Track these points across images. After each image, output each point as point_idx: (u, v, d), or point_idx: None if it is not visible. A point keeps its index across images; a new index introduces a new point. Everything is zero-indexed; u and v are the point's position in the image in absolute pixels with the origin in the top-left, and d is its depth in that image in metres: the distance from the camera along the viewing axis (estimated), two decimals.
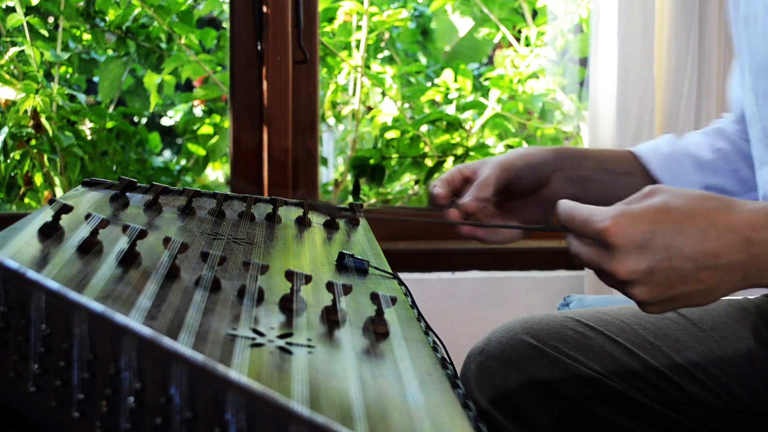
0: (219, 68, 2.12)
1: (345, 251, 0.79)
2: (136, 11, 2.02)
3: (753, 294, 1.02)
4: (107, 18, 2.02)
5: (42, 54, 1.85)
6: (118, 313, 0.41)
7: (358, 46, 2.12)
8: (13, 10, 1.86)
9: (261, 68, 1.79)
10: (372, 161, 2.09)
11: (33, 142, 1.85)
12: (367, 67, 2.19)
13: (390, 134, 2.14)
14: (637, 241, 0.63)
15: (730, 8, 0.94)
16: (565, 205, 0.69)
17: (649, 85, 1.75)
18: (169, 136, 2.47)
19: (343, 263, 0.78)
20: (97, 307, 0.41)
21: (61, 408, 0.42)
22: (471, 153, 2.11)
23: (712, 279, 0.64)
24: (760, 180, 0.90)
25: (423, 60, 2.47)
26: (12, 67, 1.86)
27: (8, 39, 1.89)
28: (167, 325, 0.47)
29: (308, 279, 0.61)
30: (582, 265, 0.69)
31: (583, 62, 2.08)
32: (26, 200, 1.91)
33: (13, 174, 1.87)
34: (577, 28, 2.13)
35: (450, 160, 2.12)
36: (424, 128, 2.12)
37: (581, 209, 0.67)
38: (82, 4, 1.98)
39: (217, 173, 2.37)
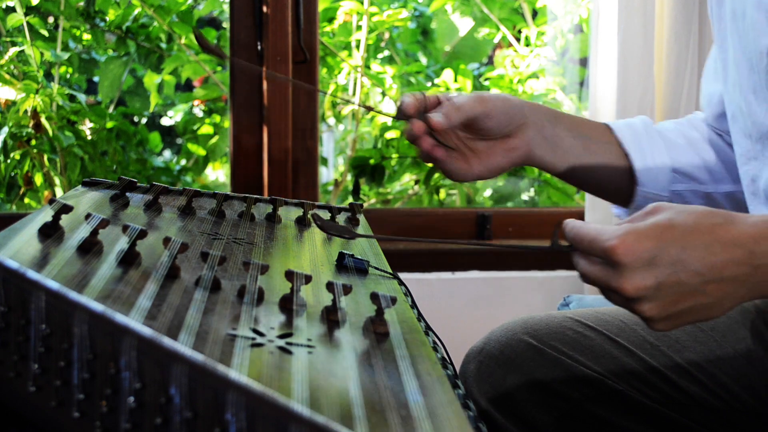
0: (219, 68, 2.12)
1: (345, 251, 0.79)
2: (136, 11, 2.02)
3: None
4: (107, 18, 2.02)
5: (42, 54, 1.85)
6: (118, 313, 0.41)
7: (358, 46, 2.12)
8: (13, 10, 1.86)
9: (261, 68, 1.79)
10: (372, 161, 2.09)
11: (33, 142, 1.85)
12: (367, 67, 2.19)
13: (390, 134, 2.14)
14: (644, 258, 0.64)
15: (711, 5, 0.94)
16: (572, 224, 0.70)
17: (649, 85, 1.75)
18: (169, 136, 2.47)
19: (343, 263, 0.78)
20: (97, 307, 0.41)
21: (61, 408, 0.42)
22: None
23: (718, 292, 0.65)
24: (746, 175, 0.90)
25: (423, 60, 2.47)
26: (12, 67, 1.86)
27: (8, 39, 1.89)
28: (167, 325, 0.47)
29: (308, 279, 0.61)
30: (589, 283, 0.69)
31: (583, 62, 2.08)
32: (26, 200, 1.91)
33: (13, 174, 1.87)
34: (577, 28, 2.13)
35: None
36: None
37: (588, 228, 0.68)
38: (82, 4, 1.98)
39: (217, 173, 2.37)
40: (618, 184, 1.00)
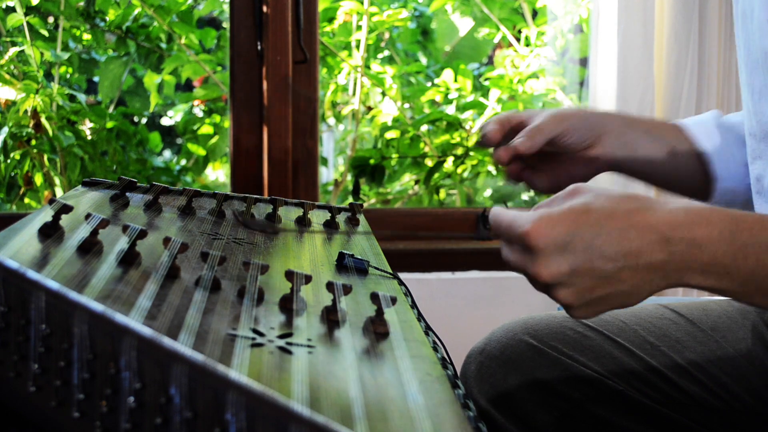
0: (219, 68, 2.12)
1: (345, 251, 0.79)
2: (136, 11, 2.02)
3: None
4: (107, 18, 2.02)
5: (42, 54, 1.85)
6: (118, 313, 0.41)
7: (358, 46, 2.12)
8: (13, 10, 1.86)
9: (261, 68, 1.79)
10: (372, 161, 2.09)
11: (33, 142, 1.85)
12: (367, 67, 2.19)
13: (390, 134, 2.14)
14: (557, 243, 0.64)
15: (734, 6, 0.94)
16: (494, 211, 0.70)
17: (649, 85, 1.75)
18: (169, 136, 2.47)
19: (343, 263, 0.78)
20: (97, 307, 0.41)
21: (61, 408, 0.42)
22: (471, 153, 2.11)
23: (634, 279, 0.64)
24: (752, 174, 0.90)
25: (423, 60, 2.47)
26: (12, 67, 1.86)
27: (8, 39, 1.89)
28: (167, 325, 0.47)
29: (308, 279, 0.61)
30: (512, 270, 0.69)
31: (583, 62, 2.08)
32: (26, 200, 1.91)
33: (13, 174, 1.87)
34: (577, 28, 2.13)
35: (450, 160, 2.12)
36: (424, 128, 2.12)
37: (506, 215, 0.68)
38: (82, 4, 1.98)
39: (217, 173, 2.37)
40: (698, 182, 1.00)
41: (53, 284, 0.43)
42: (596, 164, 0.97)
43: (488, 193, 2.22)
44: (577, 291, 0.65)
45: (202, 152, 2.15)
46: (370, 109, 2.19)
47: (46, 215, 0.61)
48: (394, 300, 0.60)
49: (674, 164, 0.99)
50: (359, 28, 2.12)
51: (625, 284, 0.65)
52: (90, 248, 0.58)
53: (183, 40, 2.05)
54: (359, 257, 0.79)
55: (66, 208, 0.60)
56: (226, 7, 2.03)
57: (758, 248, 0.64)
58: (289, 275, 0.60)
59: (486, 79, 2.21)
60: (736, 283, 0.65)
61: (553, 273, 0.64)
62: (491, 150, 0.95)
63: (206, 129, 2.15)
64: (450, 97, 2.18)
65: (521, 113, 0.96)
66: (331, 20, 2.16)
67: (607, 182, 1.65)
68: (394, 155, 2.11)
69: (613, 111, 1.02)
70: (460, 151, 2.12)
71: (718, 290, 0.66)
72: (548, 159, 0.97)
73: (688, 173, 1.00)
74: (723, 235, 0.64)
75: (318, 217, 0.97)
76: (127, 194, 0.83)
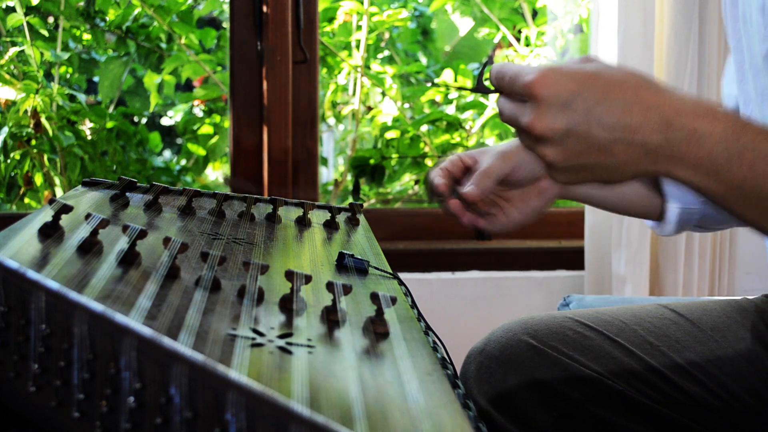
0: (219, 68, 2.12)
1: (345, 251, 0.79)
2: (136, 11, 2.02)
3: (752, 294, 1.02)
4: (107, 18, 2.02)
5: (42, 54, 1.85)
6: (118, 313, 0.41)
7: (358, 46, 2.12)
8: (13, 10, 1.86)
9: (261, 68, 1.79)
10: (372, 161, 2.09)
11: (33, 142, 1.85)
12: (367, 67, 2.19)
13: (390, 134, 2.14)
14: (560, 98, 0.62)
15: (726, 7, 0.94)
16: (498, 64, 0.68)
17: None
18: (169, 136, 2.47)
19: (343, 263, 0.78)
20: (97, 307, 0.41)
21: (61, 408, 0.42)
22: None
23: (624, 155, 0.63)
24: None
25: (423, 60, 2.47)
26: (12, 67, 1.86)
27: (8, 39, 1.89)
28: (167, 325, 0.47)
29: (308, 279, 0.61)
30: (505, 121, 0.67)
31: None
32: (26, 200, 1.91)
33: (13, 174, 1.87)
34: (577, 28, 2.13)
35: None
36: (424, 128, 2.12)
37: (512, 66, 0.67)
38: (82, 4, 1.98)
39: (217, 173, 2.37)
40: (650, 203, 1.00)
41: (53, 284, 0.43)
42: (547, 196, 0.96)
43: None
44: (565, 151, 0.64)
45: (202, 152, 2.15)
46: (370, 109, 2.19)
47: (46, 215, 0.61)
48: (394, 300, 0.60)
49: (626, 188, 0.99)
50: (359, 28, 2.12)
51: (615, 158, 0.63)
52: (90, 248, 0.58)
53: (183, 40, 2.05)
54: (359, 257, 0.79)
55: (66, 208, 0.60)
56: (226, 7, 2.03)
57: (755, 155, 0.62)
58: (289, 275, 0.60)
59: (486, 79, 2.20)
60: (723, 185, 0.63)
61: (548, 127, 0.63)
62: (440, 201, 0.94)
63: (206, 129, 2.15)
64: (450, 97, 2.18)
65: (468, 154, 0.95)
66: (331, 20, 2.16)
67: None
68: (394, 155, 2.11)
69: None
70: (459, 151, 2.12)
71: (702, 189, 0.65)
72: (500, 199, 0.96)
73: (639, 194, 1.00)
74: (725, 134, 0.63)
75: (318, 217, 0.97)
76: (127, 194, 0.83)
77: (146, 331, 0.40)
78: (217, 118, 2.15)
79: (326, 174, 2.44)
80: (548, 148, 0.64)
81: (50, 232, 0.60)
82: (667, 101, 0.63)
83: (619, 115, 0.62)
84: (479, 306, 1.85)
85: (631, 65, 1.74)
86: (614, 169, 0.64)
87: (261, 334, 0.52)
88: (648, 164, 0.64)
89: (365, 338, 0.57)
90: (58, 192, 1.88)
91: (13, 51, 1.84)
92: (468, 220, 0.94)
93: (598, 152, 0.63)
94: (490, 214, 0.96)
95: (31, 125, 1.83)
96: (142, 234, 0.59)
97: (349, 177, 2.15)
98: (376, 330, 0.59)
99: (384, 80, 2.15)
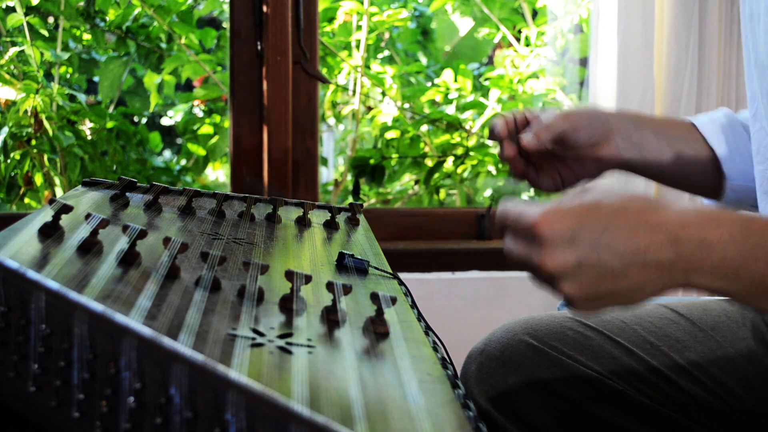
0: (219, 68, 2.12)
1: (345, 251, 0.79)
2: (136, 11, 2.02)
3: None
4: (107, 18, 2.02)
5: (42, 54, 1.85)
6: (118, 313, 0.41)
7: (358, 46, 2.12)
8: (13, 10, 1.86)
9: (261, 68, 1.79)
10: (372, 161, 2.09)
11: (33, 142, 1.85)
12: (367, 67, 2.19)
13: (390, 134, 2.14)
14: (565, 235, 0.64)
15: (741, 6, 0.94)
16: (503, 204, 0.70)
17: (649, 85, 1.75)
18: (169, 136, 2.47)
19: (343, 263, 0.78)
20: (97, 307, 0.41)
21: (61, 408, 0.42)
22: (471, 153, 2.11)
23: (640, 277, 0.64)
24: (759, 175, 0.90)
25: (423, 60, 2.47)
26: (12, 67, 1.86)
27: (8, 39, 1.89)
28: (167, 325, 0.47)
29: (308, 279, 0.61)
30: (514, 262, 0.68)
31: (583, 62, 2.08)
32: (26, 200, 1.91)
33: (13, 174, 1.87)
34: (577, 28, 2.13)
35: (450, 160, 2.12)
36: (424, 128, 2.12)
37: (514, 208, 0.68)
38: (82, 4, 1.98)
39: (217, 173, 2.37)
40: (708, 180, 1.00)
41: (53, 284, 0.43)
42: (603, 164, 0.96)
43: (488, 193, 2.22)
44: (581, 284, 0.64)
45: (202, 152, 2.15)
46: (370, 109, 2.19)
47: (46, 215, 0.61)
48: (394, 300, 0.60)
49: (684, 163, 0.99)
50: (359, 28, 2.12)
51: (632, 281, 0.64)
52: (90, 248, 0.58)
53: (183, 40, 2.05)
54: (359, 257, 0.79)
55: (66, 208, 0.60)
56: (226, 7, 2.03)
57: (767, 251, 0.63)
58: (289, 275, 0.60)
59: (486, 79, 2.21)
60: (744, 285, 0.64)
61: (560, 264, 0.64)
62: (497, 147, 0.96)
63: (206, 129, 2.15)
64: (450, 97, 2.18)
65: (530, 110, 0.97)
66: (331, 20, 2.16)
67: (608, 180, 1.65)
68: (394, 155, 2.11)
69: (624, 110, 1.02)
70: (460, 151, 2.12)
71: (725, 292, 0.66)
72: (554, 159, 0.97)
73: (698, 172, 1.00)
74: (733, 237, 0.64)
75: (318, 217, 0.97)
76: (127, 194, 0.83)
77: (146, 331, 0.40)
78: (217, 118, 2.15)
79: (326, 174, 2.44)
80: (564, 283, 0.65)
81: (50, 232, 0.59)
82: (671, 218, 0.65)
83: (626, 239, 0.64)
84: (479, 306, 1.85)
85: (631, 65, 1.75)
86: (633, 291, 0.65)
87: (261, 334, 0.52)
88: (666, 280, 0.65)
89: (365, 338, 0.57)
90: (58, 192, 1.88)
91: (13, 51, 1.84)
92: (518, 167, 0.95)
93: (613, 279, 0.64)
94: (542, 169, 0.97)
95: (31, 125, 1.83)
96: (142, 234, 0.59)
97: (349, 177, 2.15)
98: (376, 330, 0.59)
99: (384, 80, 2.15)
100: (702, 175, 1.00)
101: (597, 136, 0.94)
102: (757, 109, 0.89)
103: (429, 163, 2.13)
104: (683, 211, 0.65)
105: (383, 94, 2.16)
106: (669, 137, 0.98)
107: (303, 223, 0.92)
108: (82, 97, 1.94)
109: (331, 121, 2.34)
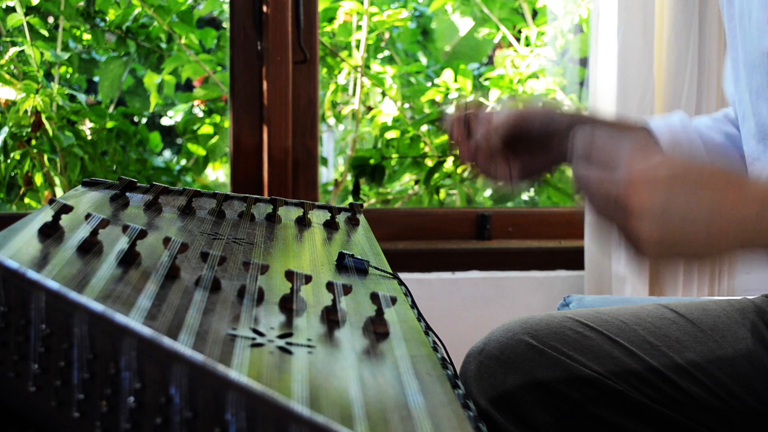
0: (219, 68, 2.12)
1: (345, 251, 0.79)
2: (136, 11, 2.02)
3: (752, 294, 1.02)
4: (107, 18, 2.02)
5: (42, 54, 1.85)
6: (118, 313, 0.41)
7: (358, 46, 2.12)
8: (13, 10, 1.86)
9: (261, 68, 1.79)
10: (372, 161, 2.09)
11: (33, 142, 1.85)
12: (367, 67, 2.19)
13: (390, 134, 2.14)
14: (660, 175, 0.62)
15: (723, 4, 0.94)
16: (586, 130, 0.67)
17: (649, 85, 1.75)
18: (169, 136, 2.47)
19: (343, 263, 0.78)
20: (97, 307, 0.41)
21: (61, 408, 0.42)
22: None
23: (720, 231, 0.63)
24: (751, 177, 0.90)
25: (423, 60, 2.47)
26: (12, 67, 1.86)
27: (8, 39, 1.89)
28: (167, 325, 0.47)
29: (308, 279, 0.61)
30: (584, 191, 0.66)
31: (583, 62, 2.08)
32: (26, 200, 1.91)
33: (13, 174, 1.87)
34: (577, 28, 2.13)
35: (450, 160, 2.12)
36: (424, 128, 2.12)
37: (602, 134, 0.66)
38: (82, 4, 1.98)
39: (217, 173, 2.37)
40: None
41: (53, 284, 0.43)
42: (555, 159, 0.96)
43: (488, 193, 2.22)
44: (662, 227, 0.62)
45: (202, 152, 2.15)
46: (370, 109, 2.19)
47: (46, 215, 0.61)
48: (394, 300, 0.60)
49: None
50: (359, 28, 2.12)
51: (710, 236, 0.63)
52: (90, 248, 0.58)
53: (183, 40, 2.05)
54: (359, 257, 0.79)
55: (66, 208, 0.60)
56: (226, 7, 2.03)
57: None
58: (289, 275, 0.60)
59: (486, 79, 2.21)
60: None
61: (646, 200, 0.61)
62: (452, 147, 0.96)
63: (206, 129, 2.15)
64: (450, 97, 2.18)
65: (479, 108, 0.95)
66: (331, 20, 2.16)
67: None
68: (394, 155, 2.11)
69: (580, 111, 1.01)
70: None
71: None
72: (506, 153, 0.95)
73: None
74: None
75: (318, 217, 0.97)
76: (127, 194, 0.83)
77: (146, 331, 0.40)
78: (217, 118, 2.15)
79: (326, 174, 2.44)
80: (643, 222, 0.62)
81: (50, 232, 0.59)
82: (759, 183, 0.65)
83: (716, 195, 0.63)
84: (479, 306, 1.85)
85: (631, 65, 1.74)
86: (709, 246, 0.64)
87: (261, 334, 0.52)
88: (744, 239, 0.64)
89: (365, 338, 0.57)
90: (58, 192, 1.88)
91: (13, 51, 1.84)
92: (477, 168, 0.95)
93: (694, 228, 0.63)
94: (497, 165, 0.96)
95: (31, 125, 1.83)
96: (142, 234, 0.59)
97: (349, 177, 2.15)
98: (376, 330, 0.59)
99: (384, 80, 2.15)
100: None
101: (550, 130, 0.93)
102: (745, 110, 0.89)
103: (429, 163, 2.13)
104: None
105: (383, 94, 2.16)
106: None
107: (303, 223, 0.92)
108: (82, 97, 1.94)
109: (331, 121, 2.34)
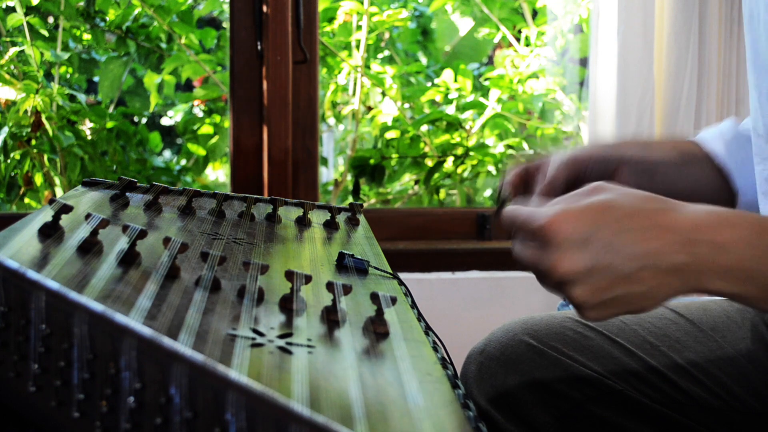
0: (219, 68, 2.12)
1: (345, 251, 0.79)
2: (136, 11, 2.02)
3: None
4: (107, 18, 2.02)
5: (42, 54, 1.85)
6: (118, 313, 0.41)
7: (358, 46, 2.12)
8: (13, 10, 1.86)
9: (261, 68, 1.79)
10: (372, 161, 2.09)
11: (33, 142, 1.85)
12: (367, 67, 2.19)
13: (390, 134, 2.14)
14: (576, 238, 0.62)
15: (742, 6, 0.94)
16: (509, 208, 0.68)
17: (649, 85, 1.75)
18: (169, 136, 2.47)
19: (343, 263, 0.78)
20: (97, 307, 0.41)
21: (61, 408, 0.42)
22: (471, 153, 2.11)
23: (653, 280, 0.63)
24: (759, 176, 0.90)
25: (423, 60, 2.47)
26: (12, 67, 1.86)
27: (8, 39, 1.89)
28: (167, 325, 0.47)
29: (308, 279, 0.61)
30: (523, 266, 0.67)
31: (583, 62, 2.08)
32: (26, 200, 1.91)
33: (13, 174, 1.87)
34: (577, 28, 2.13)
35: (450, 160, 2.12)
36: (424, 128, 2.12)
37: (523, 210, 0.66)
38: (82, 4, 1.98)
39: (217, 173, 2.37)
40: (720, 196, 0.99)
41: (53, 284, 0.43)
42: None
43: (488, 193, 2.22)
44: (592, 289, 0.63)
45: (202, 152, 2.15)
46: (370, 109, 2.19)
47: (46, 215, 0.61)
48: (394, 300, 0.60)
49: (694, 183, 0.98)
50: (359, 28, 2.12)
51: (643, 285, 0.63)
52: (90, 248, 0.58)
53: (183, 40, 2.05)
54: (359, 257, 0.79)
55: (66, 208, 0.60)
56: (226, 7, 2.03)
57: None
58: (289, 275, 0.60)
59: (486, 79, 2.21)
60: (757, 288, 0.63)
61: (570, 268, 0.62)
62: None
63: (206, 129, 2.15)
64: (450, 97, 2.18)
65: (535, 162, 0.93)
66: (331, 20, 2.16)
67: None
68: (394, 155, 2.11)
69: (627, 140, 1.00)
70: (460, 151, 2.12)
71: (738, 296, 0.64)
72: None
73: (709, 190, 0.99)
74: (748, 239, 0.62)
75: (318, 217, 0.97)
76: (127, 194, 0.83)
77: (146, 331, 0.40)
78: (217, 118, 2.15)
79: (326, 174, 2.44)
80: (575, 288, 0.63)
81: (50, 232, 0.59)
82: (684, 220, 0.63)
83: (639, 242, 0.62)
84: (479, 306, 1.85)
85: (631, 65, 1.75)
86: (644, 297, 0.64)
87: (261, 334, 0.52)
88: (678, 284, 0.63)
89: (365, 338, 0.57)
90: (58, 192, 1.88)
91: (13, 51, 1.84)
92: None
93: (624, 283, 0.62)
94: None
95: (31, 125, 1.83)
96: (142, 234, 0.59)
97: (349, 177, 2.15)
98: (376, 330, 0.59)
99: (384, 80, 2.15)
100: (714, 192, 0.99)
101: (605, 173, 0.91)
102: (756, 109, 0.89)
103: (429, 163, 2.13)
104: (696, 212, 0.64)
105: (383, 94, 2.16)
106: (677, 159, 0.97)
107: (303, 223, 0.92)
108: (82, 97, 1.94)
109: (331, 121, 2.34)
